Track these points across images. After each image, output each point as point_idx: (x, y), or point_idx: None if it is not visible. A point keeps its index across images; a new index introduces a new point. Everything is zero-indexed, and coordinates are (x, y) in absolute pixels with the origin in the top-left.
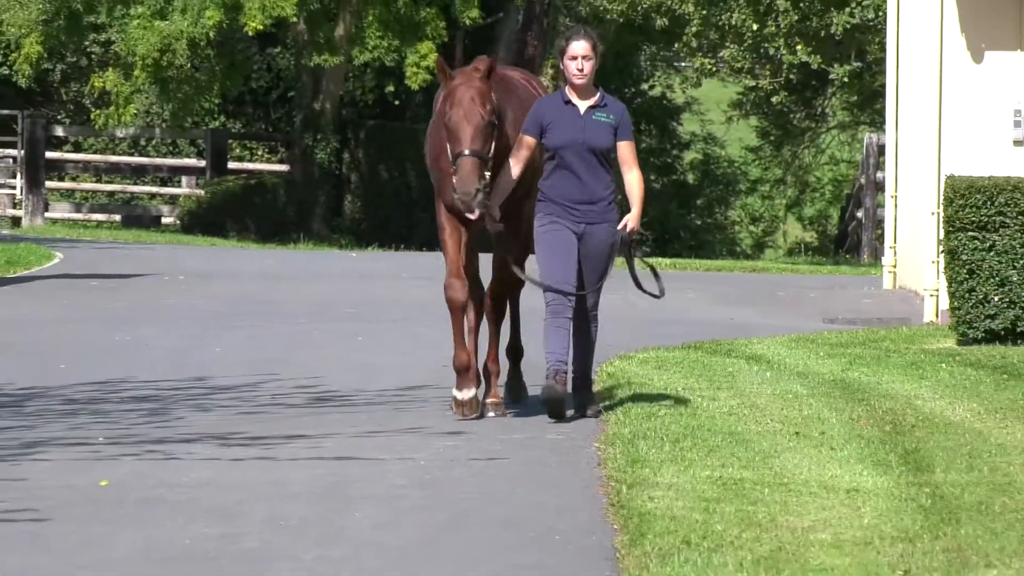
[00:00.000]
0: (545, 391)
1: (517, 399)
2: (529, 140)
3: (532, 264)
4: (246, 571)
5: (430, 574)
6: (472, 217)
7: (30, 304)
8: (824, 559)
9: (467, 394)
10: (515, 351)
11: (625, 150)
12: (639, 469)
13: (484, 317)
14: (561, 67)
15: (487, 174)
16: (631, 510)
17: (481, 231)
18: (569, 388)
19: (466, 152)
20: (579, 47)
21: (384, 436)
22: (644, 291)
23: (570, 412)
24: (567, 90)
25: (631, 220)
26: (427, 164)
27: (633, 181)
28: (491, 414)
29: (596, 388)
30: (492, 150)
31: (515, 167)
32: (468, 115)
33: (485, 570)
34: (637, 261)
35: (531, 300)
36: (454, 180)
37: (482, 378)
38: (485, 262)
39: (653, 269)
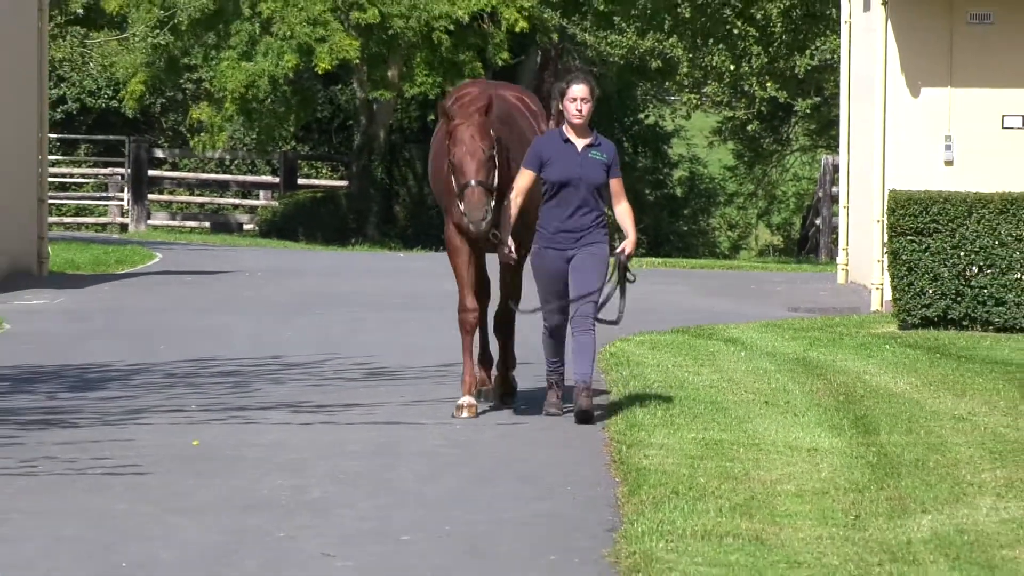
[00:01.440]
0: (546, 407)
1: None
2: (530, 173)
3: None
4: (311, 516)
5: (463, 519)
6: (475, 235)
7: (135, 295)
8: (789, 506)
9: (467, 400)
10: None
11: (616, 186)
12: (636, 432)
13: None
14: (560, 107)
15: (492, 202)
16: (629, 466)
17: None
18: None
19: (472, 183)
20: (579, 90)
21: (426, 404)
22: (620, 312)
23: (568, 406)
24: (565, 129)
25: (628, 245)
26: (432, 188)
27: (624, 212)
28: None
29: (599, 367)
30: (496, 180)
31: (517, 196)
32: (470, 151)
33: (509, 515)
34: (617, 287)
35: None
36: (462, 207)
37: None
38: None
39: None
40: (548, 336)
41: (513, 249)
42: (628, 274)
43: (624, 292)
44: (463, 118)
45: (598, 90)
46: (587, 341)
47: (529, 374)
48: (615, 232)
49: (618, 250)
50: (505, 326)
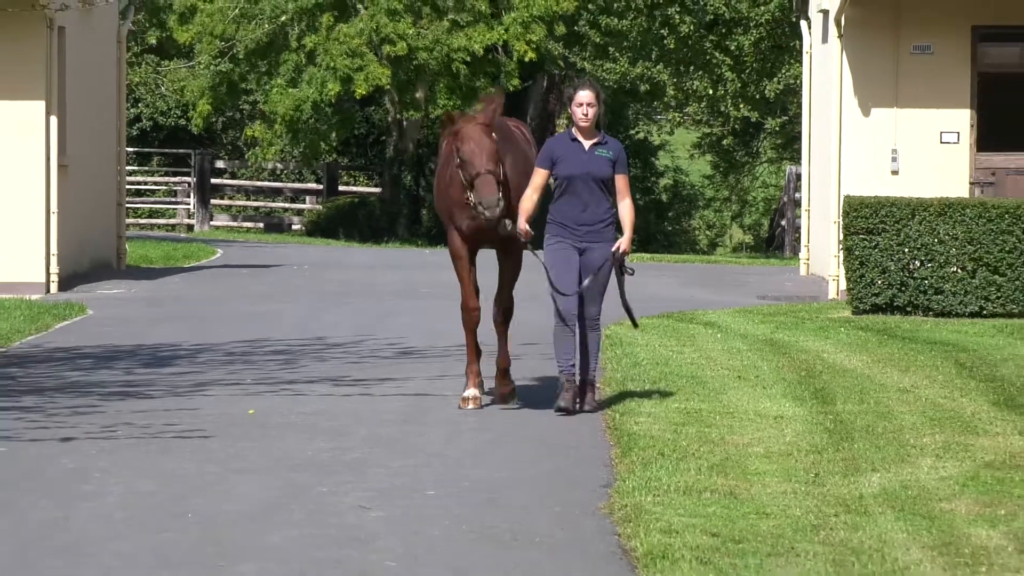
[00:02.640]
0: (559, 402)
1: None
2: (543, 171)
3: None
4: (350, 474)
5: (481, 475)
6: (489, 221)
7: (200, 285)
8: (758, 466)
9: (471, 392)
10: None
11: (621, 182)
12: (627, 402)
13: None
14: (569, 111)
15: (500, 195)
16: (622, 431)
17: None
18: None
19: (483, 171)
20: (585, 96)
21: (449, 379)
22: (628, 310)
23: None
24: (573, 130)
25: (623, 243)
26: (436, 205)
27: (625, 210)
28: (470, 406)
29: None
30: (502, 174)
31: (533, 193)
32: (479, 144)
33: (520, 473)
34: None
35: (528, 315)
36: (474, 196)
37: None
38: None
39: (628, 311)
40: (559, 327)
41: (522, 233)
42: (626, 268)
43: (622, 286)
44: (467, 121)
45: (604, 95)
46: (594, 339)
47: (536, 352)
48: (619, 229)
49: (613, 247)
50: (505, 318)
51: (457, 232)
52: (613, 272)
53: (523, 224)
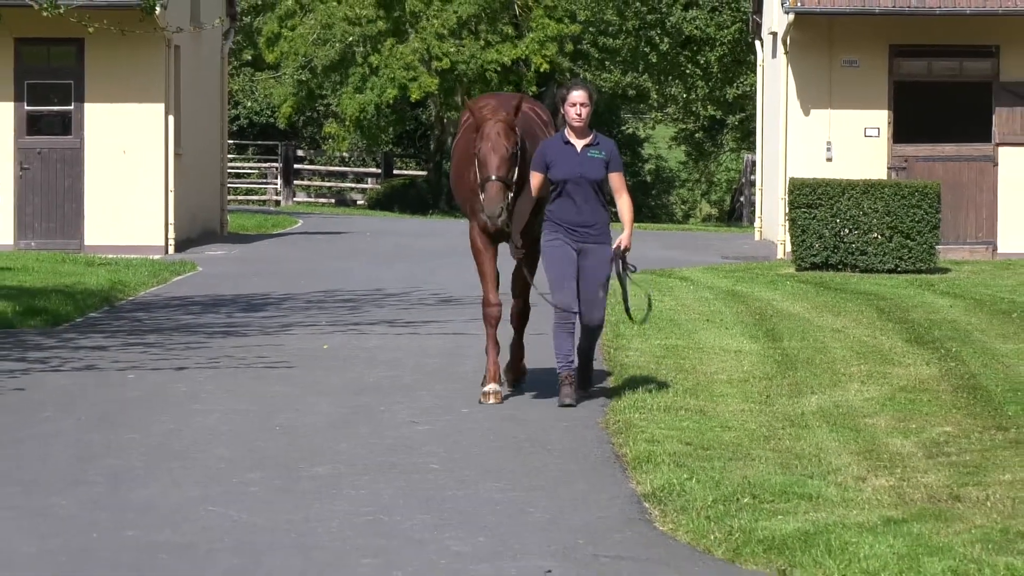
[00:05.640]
0: (562, 400)
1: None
2: (538, 175)
3: (540, 274)
4: (402, 396)
5: (505, 398)
6: (493, 228)
7: (284, 248)
8: (722, 389)
9: (492, 387)
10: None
11: (616, 180)
12: (620, 340)
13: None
14: (562, 112)
15: (510, 195)
16: (615, 362)
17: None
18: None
19: (493, 177)
20: (578, 95)
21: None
22: (628, 310)
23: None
24: (566, 131)
25: (624, 239)
26: (456, 196)
27: (624, 206)
28: (491, 401)
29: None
30: (516, 176)
31: (532, 194)
32: (495, 147)
33: (538, 397)
34: (629, 283)
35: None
36: (482, 199)
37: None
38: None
39: (648, 299)
40: (558, 325)
41: (520, 244)
42: (629, 266)
43: (625, 284)
44: (491, 114)
45: (596, 95)
46: (593, 336)
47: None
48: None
49: (615, 245)
50: (523, 315)
51: (478, 225)
52: (615, 270)
53: (518, 239)
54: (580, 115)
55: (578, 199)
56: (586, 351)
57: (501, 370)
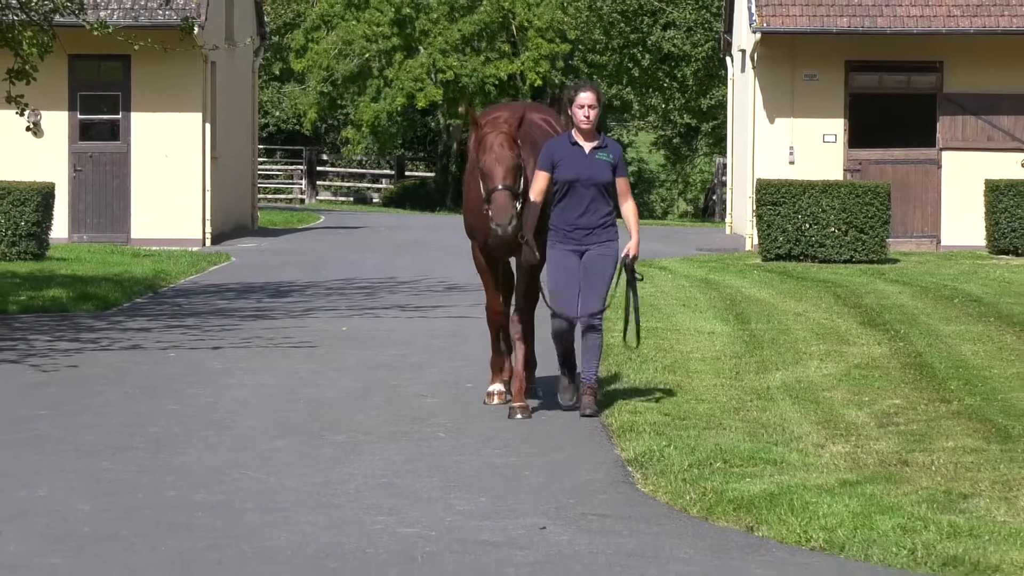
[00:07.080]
0: (562, 401)
1: (532, 396)
2: (544, 174)
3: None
4: (412, 373)
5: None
6: (503, 238)
7: (308, 241)
8: (696, 367)
9: (496, 387)
10: (530, 364)
11: (622, 184)
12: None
13: (511, 333)
14: (570, 113)
15: (518, 204)
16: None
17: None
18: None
19: (499, 187)
20: (586, 97)
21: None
22: (625, 330)
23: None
24: (574, 133)
25: (632, 248)
26: (465, 220)
27: (629, 211)
28: (518, 416)
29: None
30: (522, 185)
31: (535, 197)
32: (499, 158)
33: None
34: (637, 299)
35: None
36: (490, 212)
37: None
38: None
39: (636, 323)
40: (557, 332)
41: (535, 248)
42: (636, 275)
43: (636, 292)
44: (492, 127)
45: (604, 97)
46: (595, 340)
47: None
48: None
49: (623, 253)
50: (526, 324)
51: (479, 248)
52: (624, 279)
53: (532, 242)
54: (588, 117)
55: (584, 201)
56: (588, 365)
57: (504, 371)
